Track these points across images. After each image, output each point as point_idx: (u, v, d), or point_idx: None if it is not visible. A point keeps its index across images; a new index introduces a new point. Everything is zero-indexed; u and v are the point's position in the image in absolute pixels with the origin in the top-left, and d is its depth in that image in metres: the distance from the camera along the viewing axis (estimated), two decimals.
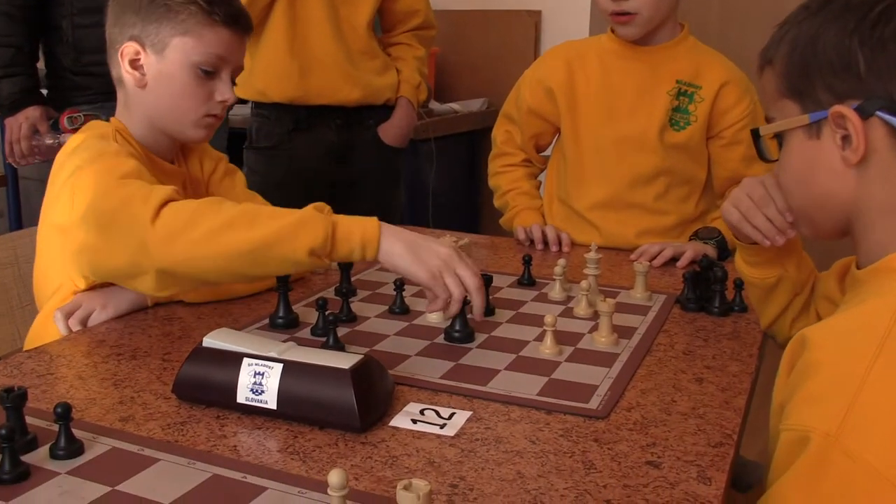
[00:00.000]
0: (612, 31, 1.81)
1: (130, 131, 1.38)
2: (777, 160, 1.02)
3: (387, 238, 1.16)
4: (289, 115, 2.20)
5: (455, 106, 3.34)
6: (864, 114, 0.88)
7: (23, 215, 2.67)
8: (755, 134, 1.04)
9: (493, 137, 2.02)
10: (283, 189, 2.19)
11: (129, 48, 1.34)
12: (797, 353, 0.85)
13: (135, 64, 1.35)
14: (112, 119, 1.39)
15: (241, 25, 1.38)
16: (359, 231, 1.16)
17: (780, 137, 1.00)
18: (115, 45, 1.36)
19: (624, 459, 0.91)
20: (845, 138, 0.90)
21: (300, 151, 2.23)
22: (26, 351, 1.20)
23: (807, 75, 0.93)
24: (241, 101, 2.10)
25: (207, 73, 1.35)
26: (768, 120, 1.01)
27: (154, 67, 1.34)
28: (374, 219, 1.18)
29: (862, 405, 0.76)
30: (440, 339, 1.26)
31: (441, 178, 3.06)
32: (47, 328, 1.31)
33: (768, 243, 1.18)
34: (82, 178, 1.24)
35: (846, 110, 0.89)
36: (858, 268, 0.95)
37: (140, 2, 1.33)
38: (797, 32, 0.94)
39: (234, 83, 1.40)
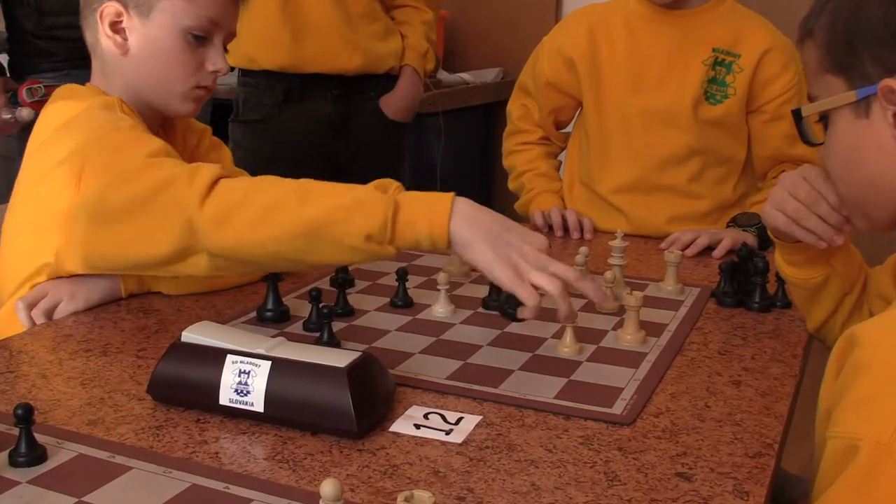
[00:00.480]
0: None
1: None
2: (822, 143, 1.02)
3: (459, 226, 1.09)
4: (280, 85, 2.19)
5: (466, 76, 3.33)
6: None
7: None
8: (797, 115, 1.04)
9: (507, 112, 2.02)
10: (273, 166, 2.16)
11: (110, 9, 1.33)
12: (846, 352, 0.85)
13: (116, 27, 1.34)
14: (88, 85, 1.39)
15: None
16: (425, 217, 1.10)
17: (824, 118, 1.00)
18: (91, 4, 1.35)
19: (651, 471, 0.90)
20: None
21: (292, 124, 2.22)
22: None
23: (852, 47, 0.94)
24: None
25: (198, 39, 1.34)
26: (811, 98, 1.02)
27: (138, 32, 1.34)
28: (447, 199, 1.10)
29: None
30: (458, 327, 1.26)
31: (450, 156, 3.05)
32: (13, 322, 1.31)
33: (825, 245, 1.15)
34: (94, 156, 1.23)
35: None
36: None
37: None
38: (839, 2, 0.95)
39: (226, 51, 1.39)
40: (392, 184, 1.14)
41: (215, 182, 1.16)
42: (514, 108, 2.00)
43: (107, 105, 1.31)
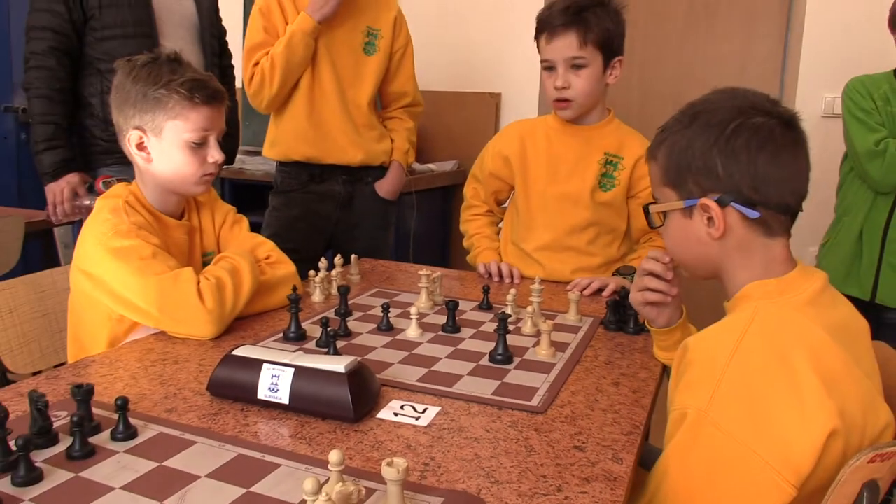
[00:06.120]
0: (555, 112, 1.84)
1: (146, 195, 1.36)
2: (662, 225, 1.05)
3: None
4: (305, 171, 2.18)
5: (432, 166, 3.34)
6: (723, 204, 0.93)
7: None
8: (646, 209, 1.06)
9: (464, 193, 2.01)
10: (298, 224, 2.19)
11: (134, 135, 1.33)
12: (680, 356, 0.89)
13: (140, 146, 1.33)
14: (131, 184, 1.38)
15: (218, 101, 1.35)
16: None
17: (664, 213, 1.03)
18: (122, 132, 1.34)
19: (557, 444, 0.91)
20: (710, 219, 0.95)
21: (313, 198, 2.20)
22: (91, 356, 1.18)
23: (681, 174, 0.97)
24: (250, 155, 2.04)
25: (198, 145, 1.34)
26: (655, 199, 1.04)
27: (156, 148, 1.33)
28: None
29: (724, 387, 0.80)
30: (424, 345, 1.24)
31: (420, 223, 3.03)
32: (87, 348, 1.30)
33: (670, 299, 1.17)
34: (107, 260, 1.25)
35: (709, 201, 0.94)
36: (726, 301, 0.99)
37: (135, 97, 1.30)
38: (673, 140, 0.97)
39: (219, 143, 1.38)
40: None
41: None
42: (468, 190, 2.00)
43: (113, 208, 1.30)
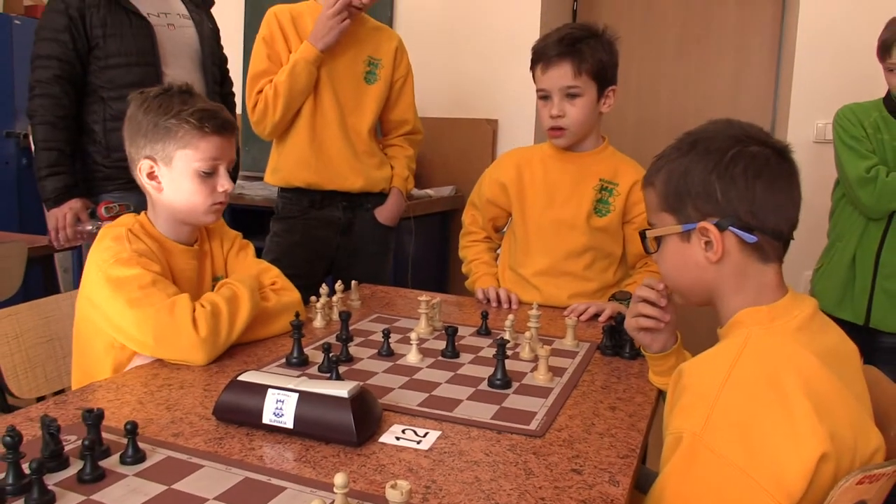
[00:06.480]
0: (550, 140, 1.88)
1: (156, 225, 1.38)
2: (656, 251, 1.07)
3: None
4: (306, 197, 2.20)
5: (430, 192, 3.34)
6: (721, 228, 0.96)
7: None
8: (642, 234, 1.09)
9: (462, 220, 2.03)
10: (298, 250, 2.21)
11: (145, 164, 1.34)
12: (676, 381, 0.92)
13: (151, 176, 1.34)
14: (140, 215, 1.40)
15: (228, 131, 1.36)
16: None
17: (659, 238, 1.06)
18: (133, 163, 1.36)
19: (555, 468, 0.92)
20: (707, 243, 0.98)
21: (313, 224, 2.22)
22: (98, 381, 1.19)
23: (680, 198, 1.00)
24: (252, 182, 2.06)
25: (208, 174, 1.35)
26: (650, 224, 1.07)
27: (167, 177, 1.34)
28: None
29: (718, 411, 0.82)
30: (424, 370, 1.25)
31: (419, 248, 3.02)
32: (92, 374, 1.31)
33: (663, 325, 1.20)
34: (106, 288, 1.26)
35: (708, 225, 0.97)
36: (720, 328, 1.02)
37: (146, 127, 1.32)
38: (672, 167, 1.01)
39: (229, 173, 1.39)
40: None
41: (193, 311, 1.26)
42: (466, 217, 2.01)
43: (116, 236, 1.31)
